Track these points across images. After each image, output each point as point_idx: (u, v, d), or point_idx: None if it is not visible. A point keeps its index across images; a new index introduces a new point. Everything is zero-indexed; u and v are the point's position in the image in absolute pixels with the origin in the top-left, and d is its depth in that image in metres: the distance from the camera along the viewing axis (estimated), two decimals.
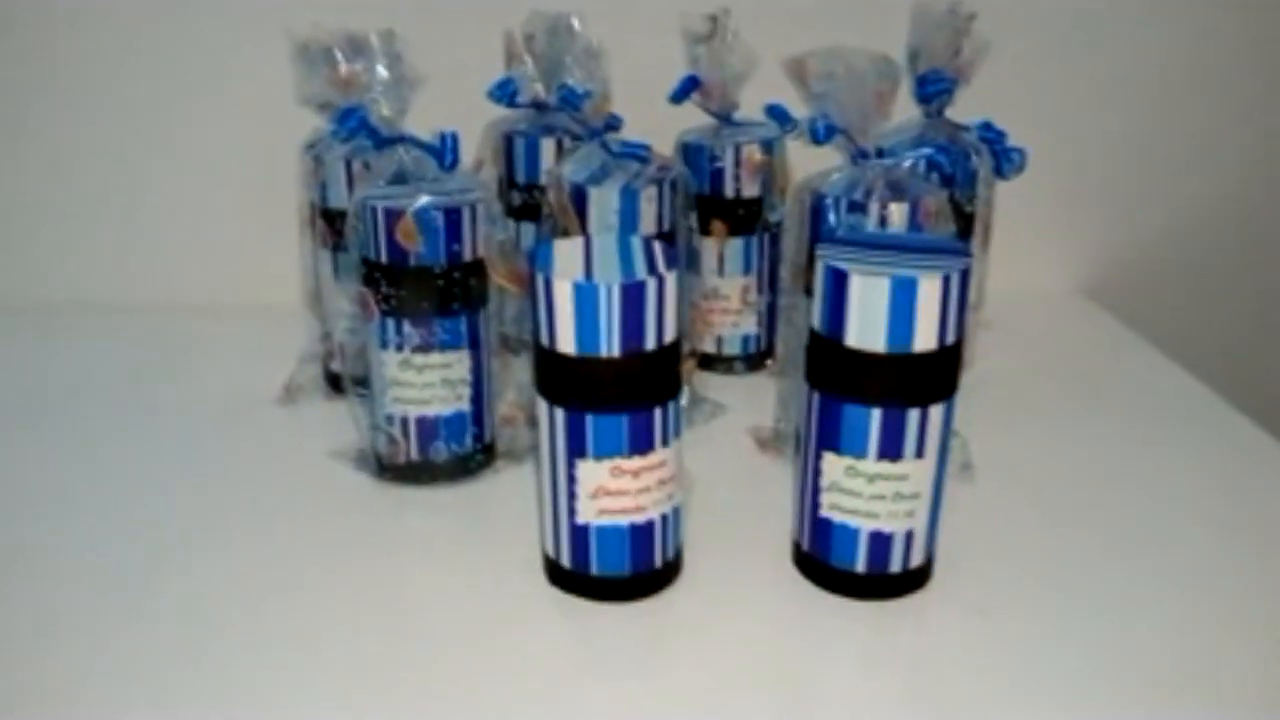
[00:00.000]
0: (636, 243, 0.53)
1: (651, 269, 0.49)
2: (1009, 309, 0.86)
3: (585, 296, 0.48)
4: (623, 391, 0.50)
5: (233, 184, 0.89)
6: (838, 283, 0.49)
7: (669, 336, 0.50)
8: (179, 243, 0.91)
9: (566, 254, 0.51)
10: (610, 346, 0.49)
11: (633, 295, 0.48)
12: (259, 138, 0.83)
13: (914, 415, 0.50)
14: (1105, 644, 0.52)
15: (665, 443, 0.52)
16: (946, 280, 0.48)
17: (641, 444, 0.51)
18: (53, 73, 0.86)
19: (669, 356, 0.50)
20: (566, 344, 0.49)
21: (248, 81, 0.85)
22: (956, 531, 0.57)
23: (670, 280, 0.49)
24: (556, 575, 0.55)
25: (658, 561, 0.54)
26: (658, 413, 0.51)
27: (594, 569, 0.54)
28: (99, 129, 0.88)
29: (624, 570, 0.54)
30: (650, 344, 0.49)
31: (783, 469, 0.66)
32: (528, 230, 0.77)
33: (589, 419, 0.50)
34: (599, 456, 0.51)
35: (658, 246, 0.52)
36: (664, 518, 0.53)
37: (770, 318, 0.79)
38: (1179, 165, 0.97)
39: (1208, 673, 0.50)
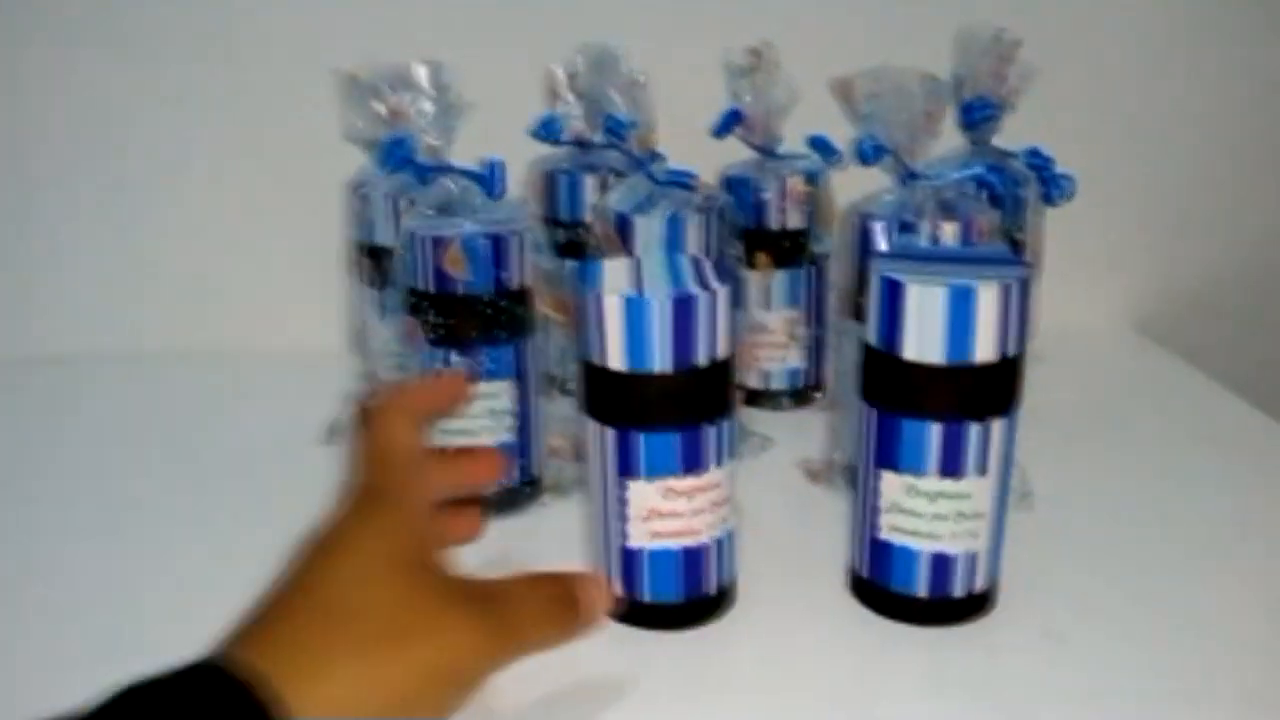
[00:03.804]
0: (685, 260, 0.52)
1: (702, 284, 0.48)
2: (1060, 343, 0.84)
3: (635, 311, 0.47)
4: (675, 409, 0.49)
5: (278, 229, 0.90)
6: (893, 294, 0.48)
7: (721, 352, 0.49)
8: (221, 289, 0.91)
9: (615, 272, 0.50)
10: (662, 362, 0.48)
11: (684, 309, 0.47)
12: (303, 182, 0.84)
13: (975, 430, 0.49)
14: (1179, 667, 0.49)
15: (719, 463, 0.50)
16: (1006, 289, 0.47)
17: (694, 463, 0.50)
18: (93, 120, 0.88)
19: (721, 373, 0.49)
20: (616, 360, 0.48)
21: (292, 125, 0.86)
22: (1019, 559, 0.55)
23: (722, 295, 0.48)
24: None
25: (711, 588, 0.53)
26: (710, 431, 0.50)
27: (646, 595, 0.52)
28: (140, 176, 0.89)
29: (677, 596, 0.52)
30: (702, 360, 0.48)
31: (835, 499, 0.64)
32: (571, 268, 0.77)
33: (640, 438, 0.49)
34: (650, 477, 0.50)
35: (707, 263, 0.51)
36: (718, 542, 0.52)
37: (817, 352, 0.78)
38: (1231, 197, 0.96)
39: None
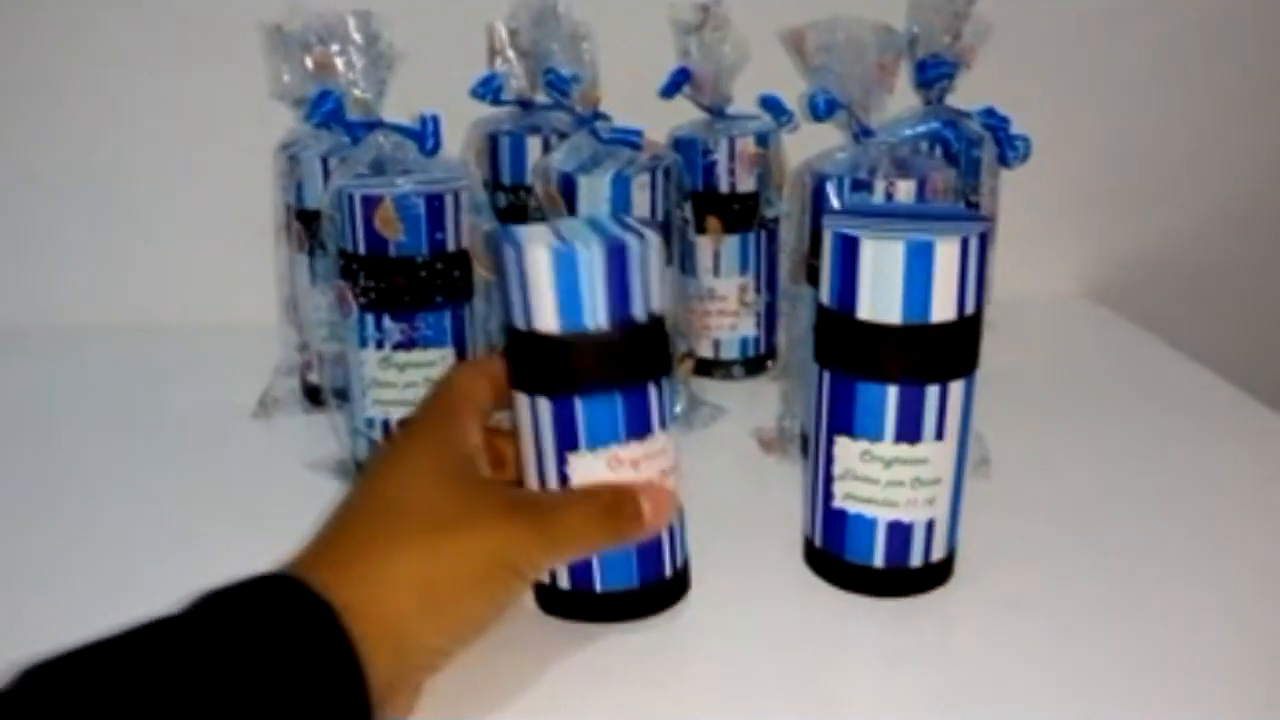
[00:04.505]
0: (606, 218, 0.48)
1: (631, 232, 0.45)
2: (1014, 310, 0.83)
3: (566, 264, 0.43)
4: (616, 369, 0.45)
5: (205, 195, 0.85)
6: (848, 251, 0.46)
7: (657, 305, 0.46)
8: (148, 259, 0.87)
9: (535, 234, 0.46)
10: (599, 319, 0.44)
11: (618, 259, 0.44)
12: (231, 145, 0.80)
13: (933, 393, 0.47)
14: (1139, 637, 0.48)
15: (664, 426, 0.47)
16: (965, 243, 0.45)
17: (640, 428, 0.46)
18: (6, 85, 0.83)
19: (659, 328, 0.46)
20: (548, 322, 0.44)
21: (219, 84, 0.82)
22: (977, 527, 0.54)
23: (654, 242, 0.45)
24: (551, 601, 0.49)
25: (668, 570, 0.49)
26: (653, 391, 0.46)
27: (599, 584, 0.48)
28: (60, 142, 0.84)
29: (632, 582, 0.48)
30: (640, 313, 0.45)
31: (789, 469, 0.62)
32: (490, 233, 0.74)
33: (579, 405, 0.45)
34: (594, 447, 0.46)
35: (630, 218, 0.48)
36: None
37: (769, 319, 0.76)
38: (1185, 165, 0.95)
39: (1246, 656, 0.47)
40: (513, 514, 0.43)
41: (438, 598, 0.40)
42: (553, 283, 0.43)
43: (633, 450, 0.46)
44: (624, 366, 0.45)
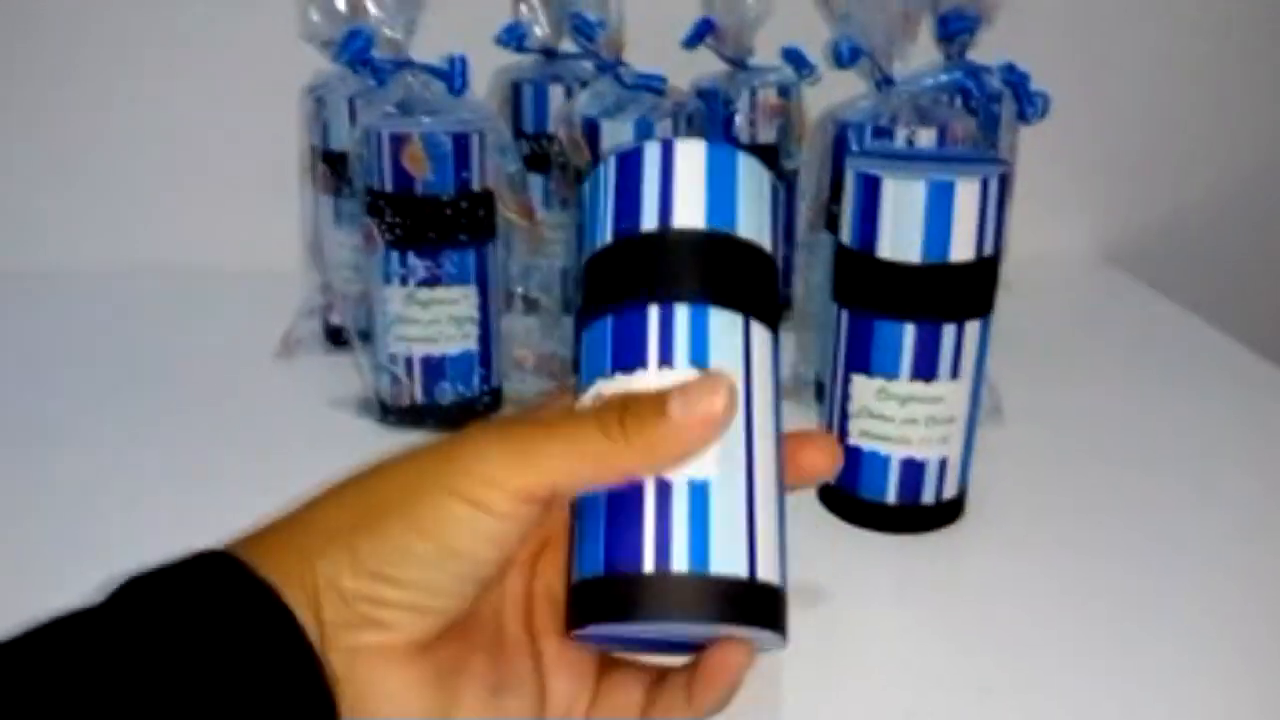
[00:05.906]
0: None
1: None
2: (1028, 270, 0.83)
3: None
4: (611, 286, 0.35)
5: (232, 143, 0.86)
6: (870, 191, 0.47)
7: (683, 218, 0.34)
8: (175, 202, 0.88)
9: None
10: (604, 232, 0.35)
11: (630, 162, 0.35)
12: (258, 87, 0.81)
13: (949, 331, 0.48)
14: (1144, 577, 0.49)
15: (669, 362, 0.33)
16: (985, 184, 0.46)
17: (628, 357, 0.33)
18: (31, 28, 0.83)
19: (678, 243, 0.34)
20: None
21: (247, 26, 0.82)
22: (988, 471, 0.55)
23: (687, 151, 0.35)
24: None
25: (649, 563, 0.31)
26: (654, 312, 0.33)
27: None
28: (86, 84, 0.85)
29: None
30: (648, 224, 0.34)
31: (804, 414, 0.63)
32: (535, 181, 0.75)
33: (583, 334, 0.36)
34: (589, 380, 0.35)
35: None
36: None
37: (786, 271, 0.77)
38: (1202, 130, 0.95)
39: (1243, 603, 0.48)
40: (470, 431, 0.33)
41: (360, 526, 0.33)
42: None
43: (616, 385, 0.34)
44: (620, 283, 0.35)
